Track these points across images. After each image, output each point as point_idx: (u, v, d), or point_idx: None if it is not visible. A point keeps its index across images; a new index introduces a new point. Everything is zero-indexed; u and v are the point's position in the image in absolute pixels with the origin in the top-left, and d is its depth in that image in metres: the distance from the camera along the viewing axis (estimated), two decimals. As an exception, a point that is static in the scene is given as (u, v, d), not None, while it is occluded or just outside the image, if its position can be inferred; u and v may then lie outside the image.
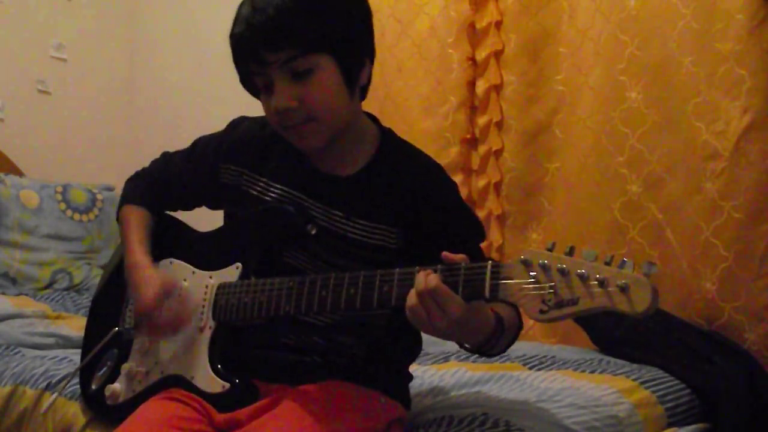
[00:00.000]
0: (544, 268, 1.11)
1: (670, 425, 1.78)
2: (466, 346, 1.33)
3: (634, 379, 1.85)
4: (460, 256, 1.20)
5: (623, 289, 1.05)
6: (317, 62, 1.36)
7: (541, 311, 1.11)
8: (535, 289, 1.12)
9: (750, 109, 2.08)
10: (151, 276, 1.50)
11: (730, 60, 2.11)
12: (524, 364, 1.99)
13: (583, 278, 1.08)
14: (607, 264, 1.08)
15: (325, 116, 1.39)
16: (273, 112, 1.39)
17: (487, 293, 1.16)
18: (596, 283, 1.07)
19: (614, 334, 2.16)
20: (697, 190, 2.18)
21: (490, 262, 1.18)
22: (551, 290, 1.10)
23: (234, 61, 1.43)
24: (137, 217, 1.63)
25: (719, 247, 2.13)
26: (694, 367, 1.97)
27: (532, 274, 1.12)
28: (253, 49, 1.35)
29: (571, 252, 1.11)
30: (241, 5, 1.40)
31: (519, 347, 2.17)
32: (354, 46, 1.41)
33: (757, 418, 1.91)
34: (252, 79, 1.41)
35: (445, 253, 1.21)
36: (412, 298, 1.20)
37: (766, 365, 2.03)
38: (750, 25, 2.08)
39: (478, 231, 1.53)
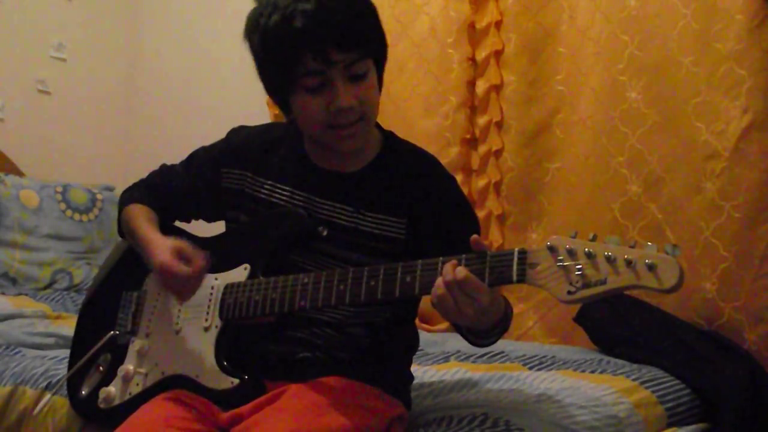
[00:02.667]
0: (571, 253, 1.15)
1: (670, 425, 1.78)
2: (472, 331, 1.36)
3: (634, 379, 1.85)
4: (486, 243, 1.25)
5: (650, 268, 1.09)
6: (370, 66, 1.42)
7: (569, 292, 1.14)
8: (562, 271, 1.15)
9: (750, 109, 2.08)
10: (165, 242, 1.50)
11: (730, 60, 2.11)
12: (524, 364, 1.99)
13: (610, 260, 1.11)
14: (632, 247, 1.11)
15: (372, 116, 1.46)
16: (333, 110, 1.39)
17: (514, 278, 1.20)
18: (623, 263, 1.10)
19: (614, 334, 2.16)
20: (697, 190, 2.18)
21: (516, 249, 1.21)
22: (579, 272, 1.13)
23: (273, 56, 1.39)
24: (143, 211, 1.63)
25: (719, 247, 2.13)
26: (694, 367, 1.96)
27: (559, 258, 1.15)
28: (320, 47, 1.35)
29: (594, 238, 1.14)
30: (285, 2, 1.35)
31: (519, 347, 2.18)
32: (385, 53, 1.48)
33: (757, 418, 1.91)
34: (295, 78, 1.38)
35: (474, 237, 1.24)
36: (439, 288, 1.22)
37: (766, 365, 2.03)
38: (750, 25, 2.08)
39: (474, 226, 1.55)
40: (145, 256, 1.54)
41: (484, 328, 1.34)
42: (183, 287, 1.48)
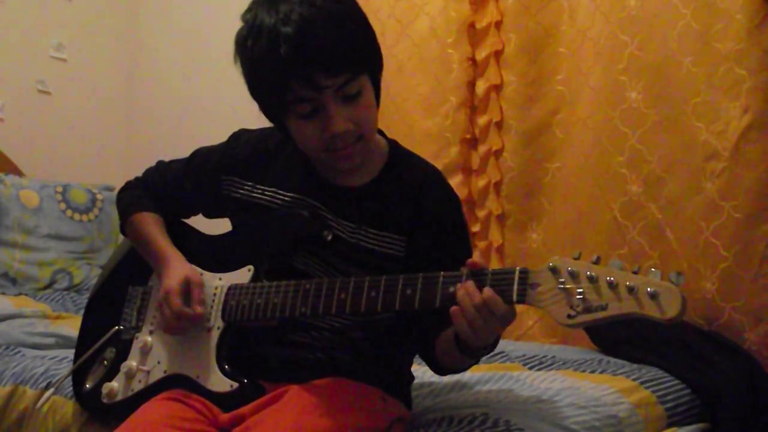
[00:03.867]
0: (573, 275, 1.14)
1: (670, 425, 1.78)
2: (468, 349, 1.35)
3: (634, 379, 1.85)
4: (487, 242, 1.25)
5: (653, 296, 1.07)
6: (363, 83, 1.37)
7: (569, 316, 1.13)
8: (563, 294, 1.14)
9: (750, 109, 2.08)
10: (181, 267, 1.51)
11: (730, 60, 2.11)
12: (524, 364, 1.99)
13: (612, 285, 1.10)
14: (635, 273, 1.10)
15: (370, 134, 1.43)
16: (328, 136, 1.36)
17: (514, 298, 1.19)
18: (626, 290, 1.09)
19: (614, 334, 2.16)
20: (697, 190, 2.18)
21: (518, 268, 1.21)
22: (580, 296, 1.12)
23: (263, 82, 1.36)
24: (154, 220, 1.63)
25: (719, 247, 2.13)
26: (694, 367, 1.96)
27: (560, 280, 1.14)
28: (307, 74, 1.30)
29: (597, 261, 1.13)
30: (270, 22, 1.31)
31: (519, 347, 2.18)
32: (380, 64, 1.43)
33: (757, 418, 1.91)
34: (286, 104, 1.35)
35: (471, 260, 1.25)
36: (469, 310, 1.22)
37: (766, 365, 2.03)
38: (750, 25, 2.08)
39: (468, 250, 1.54)
40: (157, 269, 1.55)
41: (482, 345, 1.34)
42: (171, 319, 1.47)
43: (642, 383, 1.83)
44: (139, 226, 1.63)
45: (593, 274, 1.12)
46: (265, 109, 1.43)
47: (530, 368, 1.94)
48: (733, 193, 2.11)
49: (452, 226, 1.51)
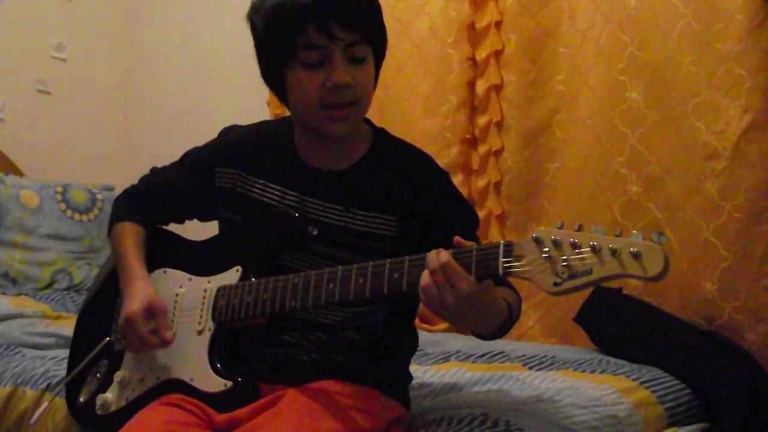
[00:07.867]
0: (556, 244, 1.14)
1: (670, 425, 1.78)
2: (479, 332, 1.35)
3: (634, 379, 1.85)
4: (471, 243, 1.24)
5: (636, 256, 1.08)
6: (368, 53, 1.43)
7: (555, 284, 1.13)
8: (548, 263, 1.14)
9: (750, 109, 2.08)
10: (144, 290, 1.52)
11: (730, 60, 2.12)
12: (524, 364, 1.99)
13: (595, 249, 1.10)
14: (618, 236, 1.10)
15: (365, 103, 1.46)
16: (330, 86, 1.40)
17: (500, 271, 1.19)
18: (608, 252, 1.09)
19: (614, 334, 2.16)
20: (697, 190, 2.18)
21: (502, 242, 1.20)
22: (564, 263, 1.12)
23: (276, 28, 1.40)
24: (132, 233, 1.63)
25: (719, 247, 2.13)
26: (694, 367, 1.97)
27: (545, 249, 1.14)
28: (325, 21, 1.36)
29: (580, 229, 1.14)
30: None
31: (519, 347, 2.18)
32: (384, 50, 1.50)
33: (757, 418, 1.91)
34: (295, 50, 1.39)
35: (457, 238, 1.24)
36: (425, 278, 1.21)
37: (766, 365, 2.04)
38: (750, 25, 2.08)
39: (472, 218, 1.55)
40: (122, 287, 1.56)
41: (484, 332, 1.33)
42: (137, 344, 1.49)
43: (642, 383, 1.84)
44: (118, 237, 1.63)
45: (576, 240, 1.12)
46: (270, 62, 1.46)
47: (530, 368, 1.94)
48: (733, 193, 2.11)
49: (447, 199, 1.51)
